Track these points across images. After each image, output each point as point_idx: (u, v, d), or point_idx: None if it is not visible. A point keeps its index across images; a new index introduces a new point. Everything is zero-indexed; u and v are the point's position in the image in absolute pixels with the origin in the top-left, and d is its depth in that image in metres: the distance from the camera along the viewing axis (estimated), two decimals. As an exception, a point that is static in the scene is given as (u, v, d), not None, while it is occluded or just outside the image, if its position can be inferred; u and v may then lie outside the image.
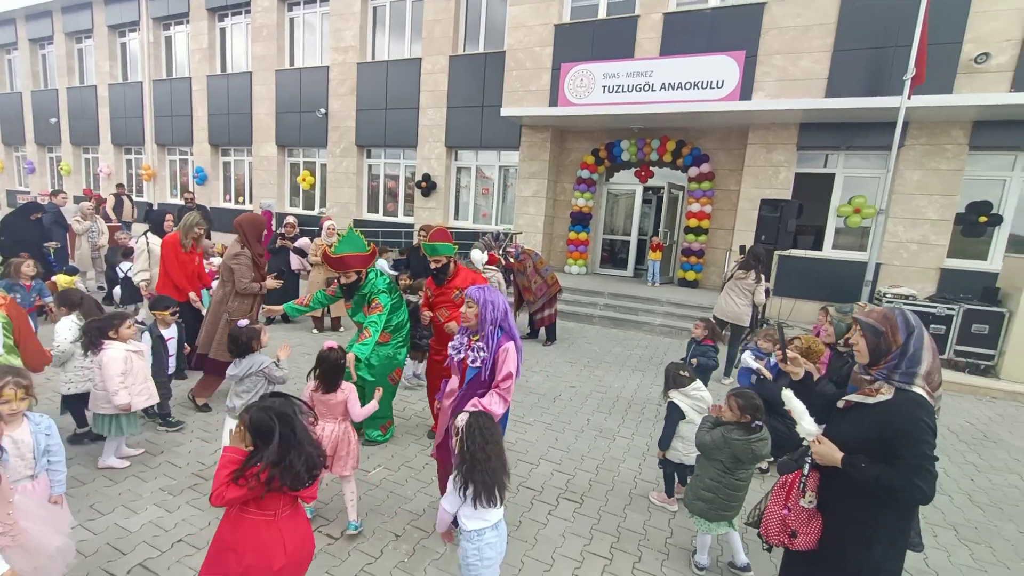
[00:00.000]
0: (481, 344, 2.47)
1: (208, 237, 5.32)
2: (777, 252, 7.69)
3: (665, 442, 3.13)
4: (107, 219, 9.33)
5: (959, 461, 4.24)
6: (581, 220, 10.66)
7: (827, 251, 8.89)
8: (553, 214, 11.04)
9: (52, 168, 19.73)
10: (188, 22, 15.14)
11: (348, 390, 2.79)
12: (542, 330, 6.96)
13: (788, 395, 1.84)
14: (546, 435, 4.17)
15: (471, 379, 2.50)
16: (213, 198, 15.34)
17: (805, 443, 1.87)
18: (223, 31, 14.93)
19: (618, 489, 3.43)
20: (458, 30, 11.50)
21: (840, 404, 1.83)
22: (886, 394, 1.67)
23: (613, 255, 11.51)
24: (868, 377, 1.75)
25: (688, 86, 8.53)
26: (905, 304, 6.57)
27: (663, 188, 10.39)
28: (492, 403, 2.39)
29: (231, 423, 3.00)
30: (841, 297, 7.48)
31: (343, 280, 3.47)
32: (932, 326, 6.44)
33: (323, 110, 13.03)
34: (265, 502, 1.74)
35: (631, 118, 9.20)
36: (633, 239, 10.92)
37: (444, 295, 3.62)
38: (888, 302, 6.68)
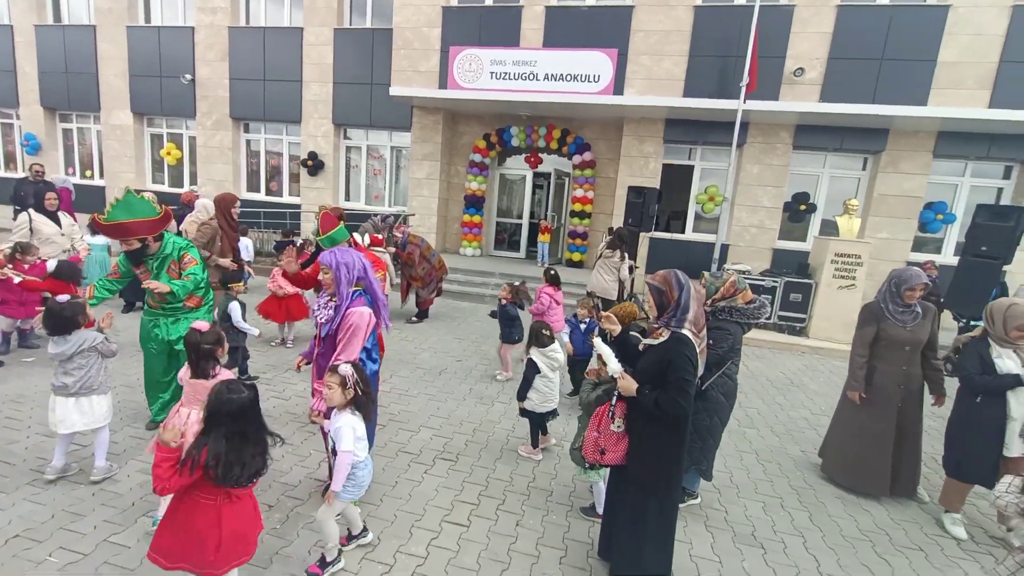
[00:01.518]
0: (333, 304, 2.62)
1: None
2: (647, 235, 8.63)
3: (522, 394, 3.55)
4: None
5: (769, 402, 5.24)
6: (475, 203, 10.91)
7: (689, 234, 10.12)
8: (447, 196, 11.16)
9: None
10: (4, -43, 12.61)
11: (226, 375, 2.65)
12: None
13: (597, 342, 2.32)
14: (428, 405, 4.40)
15: (325, 336, 2.65)
16: (52, 171, 13.12)
17: (612, 379, 2.33)
18: (54, -27, 12.67)
19: (491, 447, 3.78)
20: (343, 2, 10.98)
21: (640, 348, 2.29)
22: (664, 336, 2.17)
23: (508, 238, 11.97)
24: (656, 326, 2.24)
25: (569, 78, 9.09)
26: (745, 278, 7.80)
27: (551, 174, 10.99)
28: (351, 355, 2.55)
29: (65, 402, 2.83)
30: (695, 273, 8.63)
31: (123, 247, 3.20)
32: (762, 295, 7.73)
33: (188, 76, 11.73)
34: (207, 486, 1.85)
35: (518, 105, 9.58)
36: (525, 222, 11.44)
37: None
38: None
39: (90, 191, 12.41)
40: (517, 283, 5.30)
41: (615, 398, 2.29)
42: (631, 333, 2.51)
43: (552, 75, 9.16)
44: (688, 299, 2.16)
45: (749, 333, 3.15)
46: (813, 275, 7.73)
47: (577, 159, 10.24)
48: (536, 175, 11.26)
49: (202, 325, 2.63)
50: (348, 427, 2.26)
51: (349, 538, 2.57)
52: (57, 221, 5.34)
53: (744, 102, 7.62)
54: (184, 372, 2.67)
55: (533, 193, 11.51)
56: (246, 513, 1.98)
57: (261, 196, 12.27)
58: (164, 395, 3.51)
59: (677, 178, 9.97)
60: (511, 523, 2.91)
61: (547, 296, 5.21)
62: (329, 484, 2.89)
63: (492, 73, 9.43)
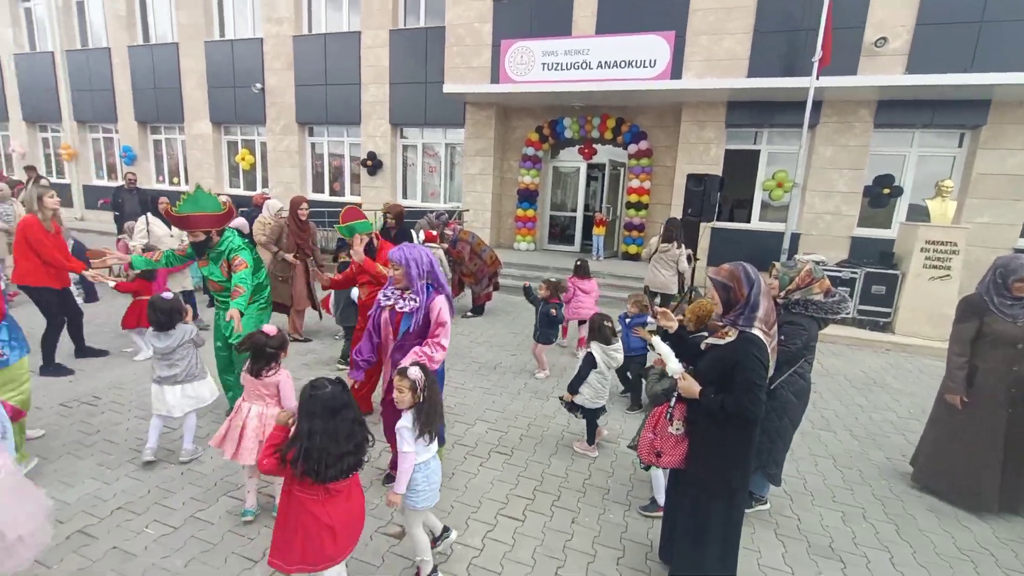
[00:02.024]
0: (413, 295, 2.64)
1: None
2: (709, 225, 8.23)
3: (574, 387, 3.46)
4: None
5: (848, 403, 4.84)
6: (528, 197, 10.88)
7: (754, 223, 9.55)
8: (500, 191, 11.20)
9: (-47, 148, 17.91)
10: (102, -13, 13.97)
11: (284, 376, 2.74)
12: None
13: (656, 341, 2.18)
14: (484, 399, 4.44)
15: (405, 331, 2.66)
16: (144, 179, 14.48)
17: (673, 379, 2.22)
18: (143, -3, 13.89)
19: (546, 442, 3.76)
20: (397, 2, 11.25)
21: (703, 347, 2.16)
22: (731, 336, 2.02)
23: (562, 231, 11.85)
24: (720, 323, 2.09)
25: (623, 64, 8.81)
26: (821, 269, 7.26)
27: (605, 165, 10.74)
28: (434, 353, 2.60)
29: (174, 389, 3.10)
30: (763, 265, 8.14)
31: (190, 238, 3.44)
32: (840, 288, 7.16)
33: (259, 85, 12.50)
34: (307, 484, 1.88)
35: (571, 95, 9.41)
36: (579, 215, 11.27)
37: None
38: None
39: (177, 196, 13.57)
40: (555, 279, 5.20)
41: (674, 399, 2.18)
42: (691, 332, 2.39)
43: (605, 62, 8.91)
44: (758, 296, 2.00)
45: (824, 328, 2.90)
46: (899, 265, 7.06)
47: (633, 148, 9.93)
48: (590, 167, 11.05)
49: (270, 329, 2.77)
50: (406, 428, 2.23)
51: (435, 541, 2.54)
52: (169, 225, 5.92)
53: (817, 79, 7.05)
54: (244, 369, 2.80)
55: (587, 185, 11.31)
56: (353, 502, 2.01)
57: (325, 196, 12.89)
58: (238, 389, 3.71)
59: (741, 164, 9.42)
60: (566, 520, 2.87)
61: (571, 285, 5.48)
62: (391, 473, 3.00)
63: (544, 64, 9.32)
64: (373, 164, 11.76)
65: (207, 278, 3.60)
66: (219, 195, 3.54)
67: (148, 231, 5.86)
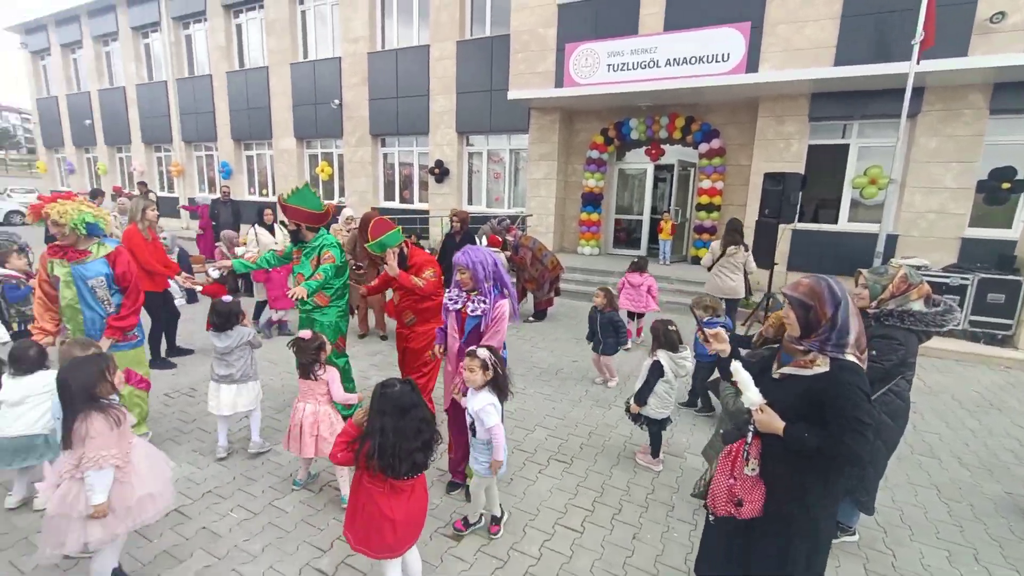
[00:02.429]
0: (481, 297, 2.73)
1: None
2: (789, 226, 7.65)
3: (642, 397, 3.32)
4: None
5: (956, 427, 4.28)
6: (592, 200, 10.72)
7: (842, 224, 8.76)
8: (565, 195, 11.12)
9: (90, 168, 20.75)
10: (206, 19, 15.58)
11: (330, 374, 2.98)
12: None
13: (736, 367, 1.84)
14: (543, 404, 4.40)
15: (471, 330, 2.75)
16: (238, 191, 15.96)
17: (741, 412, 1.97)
18: (239, 27, 15.33)
19: (607, 452, 3.65)
20: (464, 14, 11.56)
21: (776, 375, 1.85)
22: (822, 365, 1.70)
23: (628, 235, 11.55)
24: (801, 348, 1.77)
25: (693, 61, 8.44)
26: (921, 274, 6.51)
27: (674, 165, 10.34)
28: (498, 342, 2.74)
29: (229, 388, 3.31)
30: (852, 270, 7.43)
31: (290, 227, 3.72)
32: (946, 296, 6.37)
33: (337, 101, 13.34)
34: (376, 477, 1.96)
35: (638, 95, 9.16)
36: (645, 218, 10.92)
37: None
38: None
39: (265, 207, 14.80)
40: (608, 286, 5.00)
41: (750, 434, 1.85)
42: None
43: (674, 60, 8.59)
44: (847, 317, 1.70)
45: (926, 342, 2.55)
46: (1022, 270, 6.17)
47: (704, 147, 9.48)
48: (658, 168, 10.68)
49: (306, 333, 2.99)
50: (490, 405, 2.43)
51: (496, 521, 2.73)
52: (272, 232, 6.44)
53: (918, 63, 6.32)
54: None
55: (655, 187, 10.94)
56: (415, 500, 2.06)
57: (396, 204, 13.48)
58: None
59: (827, 161, 8.67)
60: (627, 535, 2.76)
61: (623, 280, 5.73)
62: (453, 480, 3.08)
63: (609, 66, 9.15)
64: (440, 172, 12.14)
65: (297, 273, 3.81)
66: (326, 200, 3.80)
67: (257, 240, 6.34)
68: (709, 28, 8.34)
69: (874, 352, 2.37)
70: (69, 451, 2.02)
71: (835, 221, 8.81)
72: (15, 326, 4.62)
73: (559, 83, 9.77)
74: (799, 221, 7.32)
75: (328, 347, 3.09)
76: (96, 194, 8.87)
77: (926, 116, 7.62)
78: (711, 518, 1.96)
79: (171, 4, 16.03)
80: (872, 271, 2.54)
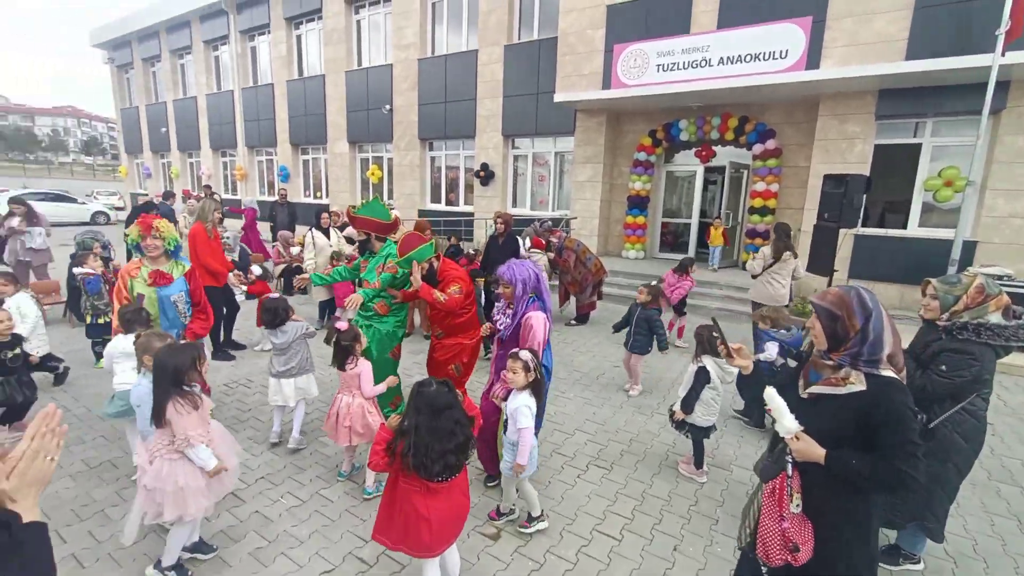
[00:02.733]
0: (510, 312, 2.87)
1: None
2: (851, 231, 7.20)
3: (689, 404, 3.22)
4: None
5: (1041, 453, 3.89)
6: (638, 204, 10.52)
7: (912, 229, 8.16)
8: (610, 198, 10.98)
9: (164, 172, 22.44)
10: (269, 32, 16.51)
11: (362, 366, 3.07)
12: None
13: (771, 393, 1.67)
14: (584, 409, 4.36)
15: (506, 341, 2.93)
16: (294, 194, 16.79)
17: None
18: (299, 38, 16.13)
19: (648, 460, 3.57)
20: (512, 18, 11.65)
21: (804, 395, 1.69)
22: (857, 383, 1.56)
23: (675, 239, 11.25)
24: (830, 363, 1.63)
25: (749, 58, 8.13)
26: (1002, 284, 5.97)
27: (725, 167, 9.99)
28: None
29: (289, 382, 3.47)
30: (922, 279, 6.91)
31: (358, 237, 3.89)
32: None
33: (388, 106, 13.77)
34: (412, 477, 1.97)
35: (688, 96, 8.91)
36: (694, 222, 10.61)
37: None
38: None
39: (323, 211, 15.48)
40: (654, 282, 4.83)
41: (789, 466, 1.66)
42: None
43: (728, 58, 8.30)
44: (881, 330, 1.56)
45: (1004, 357, 2.32)
46: (1124, 282, 5.54)
47: (758, 148, 9.10)
48: (708, 170, 10.35)
49: (342, 325, 3.08)
50: (525, 407, 2.51)
51: (530, 519, 2.75)
52: (328, 235, 6.72)
53: (1003, 55, 5.81)
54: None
55: (704, 190, 10.61)
56: (453, 501, 2.06)
57: (441, 207, 13.75)
58: None
59: (896, 161, 8.11)
60: (668, 546, 2.69)
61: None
62: (491, 474, 3.11)
63: (659, 66, 8.97)
64: (486, 175, 12.28)
65: (363, 280, 3.91)
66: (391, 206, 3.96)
67: (314, 243, 6.55)
68: (766, 24, 8.01)
69: (943, 367, 2.22)
70: (160, 430, 2.22)
71: (904, 226, 8.23)
72: (88, 318, 5.10)
73: (606, 85, 9.66)
74: (863, 226, 6.90)
75: (363, 340, 3.19)
76: (168, 195, 9.58)
77: (1011, 112, 6.99)
78: (764, 570, 1.76)
79: (239, 18, 17.10)
80: (943, 280, 2.35)
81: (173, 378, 2.19)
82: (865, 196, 6.09)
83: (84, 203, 19.86)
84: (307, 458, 3.45)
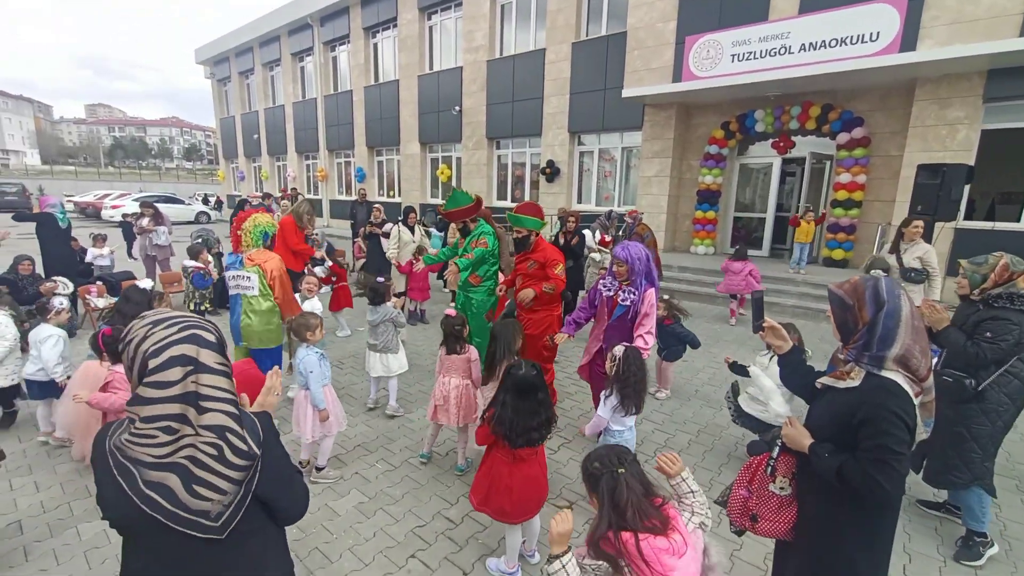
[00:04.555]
0: (632, 288, 3.16)
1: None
2: (949, 225, 6.64)
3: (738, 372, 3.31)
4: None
5: None
6: (709, 198, 10.25)
7: (1026, 222, 7.38)
8: (678, 193, 10.77)
9: (255, 176, 24.60)
10: (349, 42, 17.62)
11: (472, 351, 3.27)
12: None
13: (756, 371, 1.72)
14: (651, 400, 4.43)
15: (619, 315, 3.21)
16: (369, 193, 17.82)
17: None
18: (375, 46, 17.09)
19: (716, 451, 3.61)
20: (580, 15, 11.70)
21: (818, 385, 1.65)
22: (855, 379, 1.50)
23: (748, 234, 10.83)
24: (842, 357, 1.58)
25: (834, 43, 7.69)
26: None
27: (805, 159, 9.49)
28: (646, 344, 3.06)
29: (374, 356, 3.94)
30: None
31: (458, 226, 4.30)
32: None
33: (457, 108, 14.29)
34: (503, 447, 2.27)
35: (766, 85, 8.57)
36: (769, 216, 10.17)
37: (520, 265, 3.97)
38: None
39: (391, 207, 16.34)
40: (667, 297, 4.60)
41: (777, 449, 1.68)
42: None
43: (811, 44, 7.90)
44: (893, 326, 1.44)
45: None
46: None
47: (844, 138, 8.57)
48: (785, 161, 9.88)
49: (450, 312, 3.35)
50: (611, 399, 2.75)
51: None
52: (412, 232, 7.10)
53: None
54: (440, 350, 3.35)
55: (781, 182, 10.13)
56: (533, 474, 2.30)
57: (507, 203, 14.07)
58: None
59: (1008, 148, 7.37)
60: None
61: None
62: None
63: (733, 56, 8.69)
64: (552, 171, 12.44)
65: (463, 253, 4.26)
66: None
67: (399, 235, 6.90)
68: (855, 6, 7.54)
69: (988, 334, 2.40)
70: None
71: (1018, 219, 7.46)
72: (191, 307, 5.86)
73: (677, 78, 9.50)
74: (967, 219, 6.35)
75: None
76: (266, 196, 10.61)
77: None
78: (733, 528, 1.84)
79: (322, 31, 18.40)
80: (971, 260, 2.57)
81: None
82: (968, 187, 5.64)
83: (189, 204, 22.26)
84: (395, 430, 3.82)
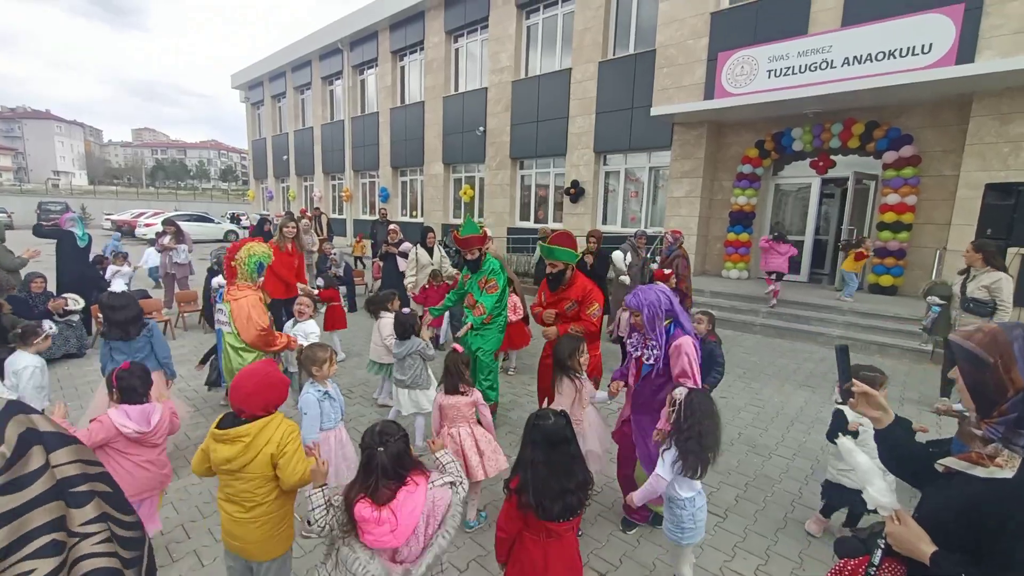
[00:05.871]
0: (653, 343, 2.58)
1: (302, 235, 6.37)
2: (1022, 251, 6.00)
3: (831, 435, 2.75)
4: (318, 234, 11.54)
5: None
6: (742, 220, 9.74)
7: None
8: (709, 214, 10.29)
9: (283, 195, 25.10)
10: (377, 65, 17.92)
11: (476, 394, 2.88)
12: None
13: (845, 444, 1.31)
14: (689, 444, 3.94)
15: (646, 374, 2.67)
16: (393, 213, 17.85)
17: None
18: (402, 69, 17.32)
19: (769, 511, 3.10)
20: (608, 35, 11.52)
21: (939, 468, 1.24)
22: (1004, 468, 1.10)
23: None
24: (979, 433, 1.17)
25: (880, 57, 7.23)
26: None
27: (847, 179, 8.92)
28: (696, 382, 2.51)
29: (402, 392, 3.59)
30: None
31: (468, 256, 4.04)
32: None
33: (481, 128, 14.21)
34: (532, 521, 1.80)
35: (805, 102, 8.11)
36: (808, 239, 9.58)
37: (557, 304, 3.53)
38: None
39: (411, 227, 16.26)
40: (712, 312, 4.15)
41: (880, 553, 1.27)
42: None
43: (854, 58, 7.46)
44: None
45: None
46: None
47: (891, 156, 8.01)
48: (825, 182, 9.33)
49: (459, 347, 2.99)
50: (669, 454, 2.20)
51: None
52: (431, 254, 6.86)
53: None
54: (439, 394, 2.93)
55: (820, 204, 9.56)
56: (569, 550, 1.89)
57: (530, 223, 13.80)
58: None
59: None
60: (805, 623, 2.25)
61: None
62: (626, 517, 2.95)
63: (769, 72, 8.30)
64: (576, 192, 12.13)
65: (468, 291, 4.17)
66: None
67: (417, 258, 6.66)
68: (903, 17, 7.09)
69: None
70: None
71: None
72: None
73: (709, 95, 9.14)
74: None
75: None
76: (291, 217, 10.53)
77: None
78: None
79: (351, 55, 18.81)
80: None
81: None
82: (1044, 208, 5.06)
83: (219, 223, 22.77)
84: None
